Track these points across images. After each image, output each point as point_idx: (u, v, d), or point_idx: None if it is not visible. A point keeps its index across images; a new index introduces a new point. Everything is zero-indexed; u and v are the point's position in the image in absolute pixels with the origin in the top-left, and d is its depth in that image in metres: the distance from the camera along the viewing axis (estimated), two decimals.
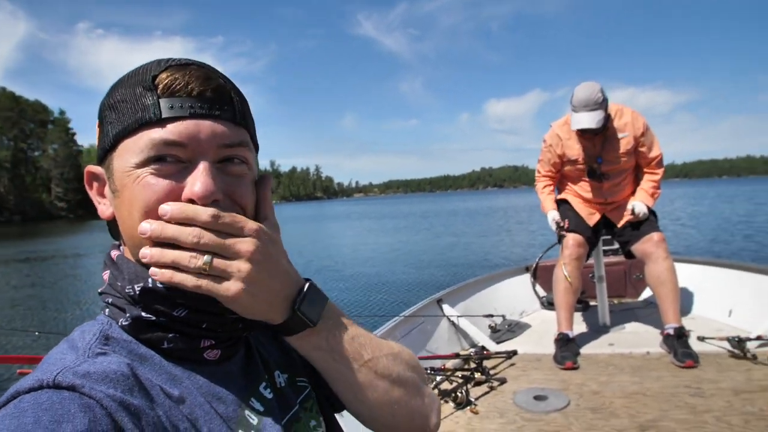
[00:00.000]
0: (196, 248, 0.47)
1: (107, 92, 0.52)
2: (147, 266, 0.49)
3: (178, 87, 0.48)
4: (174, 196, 0.48)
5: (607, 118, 2.76)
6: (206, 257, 0.47)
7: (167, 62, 0.51)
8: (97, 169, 0.54)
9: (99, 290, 0.55)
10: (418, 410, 0.64)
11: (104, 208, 0.54)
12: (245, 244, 0.48)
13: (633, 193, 2.99)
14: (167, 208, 0.47)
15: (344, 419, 0.68)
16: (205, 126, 0.49)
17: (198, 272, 0.47)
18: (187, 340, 0.51)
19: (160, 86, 0.49)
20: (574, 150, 2.93)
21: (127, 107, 0.49)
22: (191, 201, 0.48)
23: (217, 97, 0.50)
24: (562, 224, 2.96)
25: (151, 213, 0.48)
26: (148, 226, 0.47)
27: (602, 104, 2.68)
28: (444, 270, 10.83)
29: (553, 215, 3.02)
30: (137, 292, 0.49)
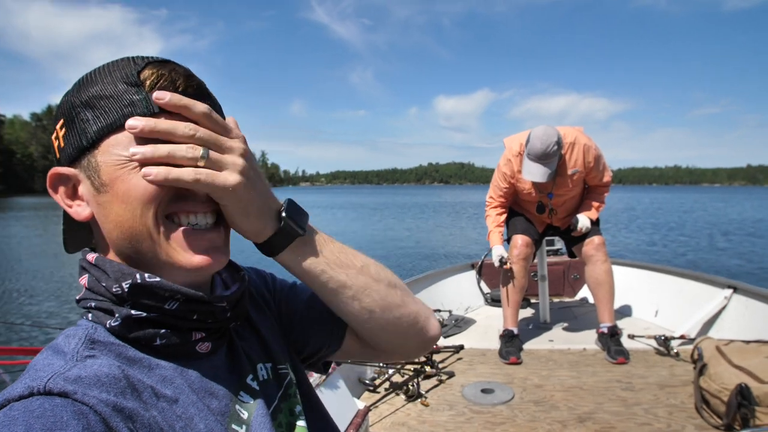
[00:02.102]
0: (192, 142, 0.47)
1: (74, 90, 0.51)
2: (132, 264, 0.50)
3: (165, 83, 0.49)
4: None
5: (559, 158, 2.78)
6: (203, 149, 0.47)
7: (145, 59, 0.51)
8: (67, 170, 0.51)
9: (77, 297, 0.53)
10: (420, 312, 0.67)
11: (80, 209, 0.52)
12: (238, 142, 0.50)
13: (578, 208, 3.08)
14: (139, 124, 0.46)
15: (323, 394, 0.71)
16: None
17: (194, 165, 0.47)
18: (179, 334, 0.51)
19: (147, 82, 0.49)
20: (527, 184, 2.95)
21: (110, 104, 0.48)
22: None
23: (200, 93, 0.51)
24: (505, 261, 2.98)
25: (152, 199, 0.48)
26: (139, 123, 0.46)
27: (555, 154, 2.68)
28: (395, 262, 10.98)
29: (498, 251, 3.02)
30: (126, 290, 0.49)
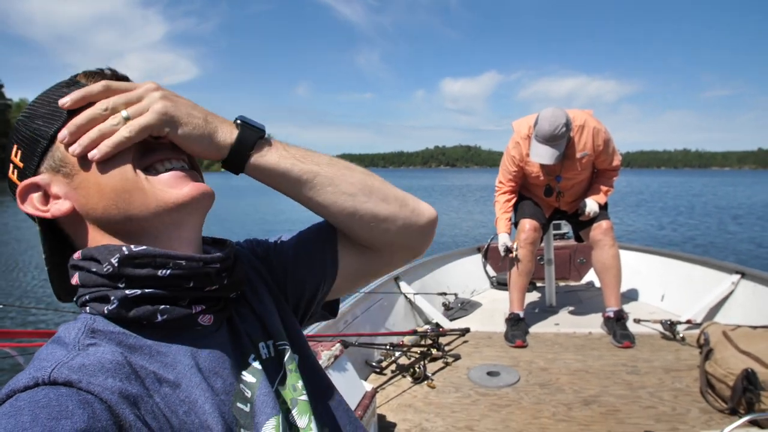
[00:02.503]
0: (109, 114, 0.51)
1: (21, 118, 0.54)
2: (121, 236, 0.52)
3: (99, 79, 0.54)
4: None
5: (568, 141, 2.76)
6: (122, 112, 0.51)
7: (76, 74, 0.55)
8: (34, 178, 0.52)
9: (73, 298, 0.54)
10: (407, 194, 0.68)
11: (58, 205, 0.52)
12: (144, 87, 0.53)
13: (587, 191, 3.07)
14: (65, 99, 0.51)
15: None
16: None
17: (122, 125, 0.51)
18: (179, 308, 0.51)
19: (83, 80, 0.53)
20: (535, 167, 2.94)
21: (54, 108, 0.52)
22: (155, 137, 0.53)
23: None
24: (510, 249, 2.98)
25: (127, 156, 0.51)
26: (65, 130, 0.50)
27: (564, 136, 2.66)
28: None
29: (504, 239, 3.02)
30: (116, 265, 0.49)
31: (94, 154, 0.50)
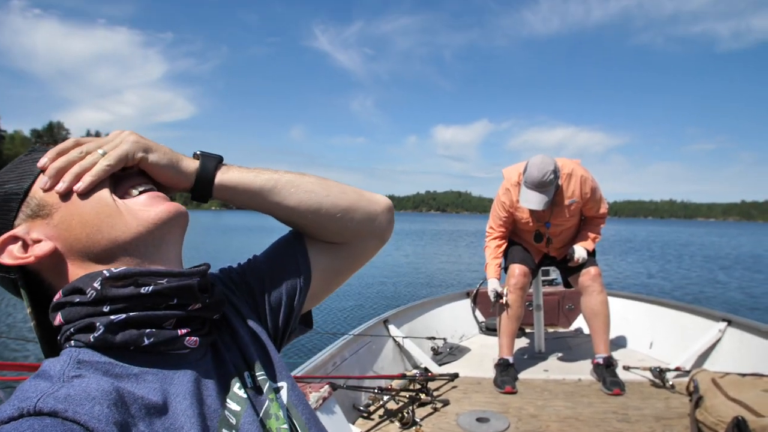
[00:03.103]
0: (87, 155, 0.56)
1: None
2: (103, 262, 0.54)
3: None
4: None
5: (557, 188, 2.81)
6: (99, 150, 0.56)
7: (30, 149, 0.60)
8: (12, 231, 0.54)
9: (58, 337, 0.53)
10: (358, 189, 0.74)
11: (41, 246, 0.53)
12: (114, 133, 0.59)
13: (575, 237, 3.12)
14: (43, 159, 0.55)
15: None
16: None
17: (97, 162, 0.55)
18: (165, 331, 0.52)
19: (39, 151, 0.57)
20: (525, 213, 3.00)
21: (17, 173, 0.56)
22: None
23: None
24: (500, 294, 3.00)
25: (101, 186, 0.55)
26: (44, 176, 0.54)
27: (552, 182, 2.72)
28: (393, 290, 10.91)
29: (494, 284, 3.05)
30: (99, 288, 0.50)
31: (79, 186, 0.53)
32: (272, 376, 0.64)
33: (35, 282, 0.56)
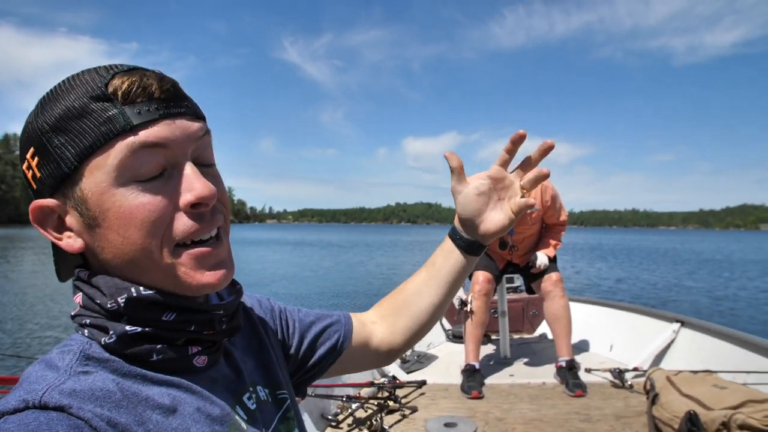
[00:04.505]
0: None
1: (37, 113, 0.47)
2: (129, 279, 0.49)
3: (138, 91, 0.46)
4: (171, 207, 0.48)
5: None
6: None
7: (111, 69, 0.47)
8: (48, 201, 0.48)
9: (72, 313, 0.51)
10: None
11: (71, 241, 0.49)
12: None
13: (537, 245, 3.24)
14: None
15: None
16: (177, 125, 0.48)
17: None
18: (176, 348, 0.50)
19: (119, 94, 0.45)
20: None
21: (83, 124, 0.45)
22: (194, 205, 0.48)
23: (176, 95, 0.49)
24: (465, 302, 3.08)
25: (155, 231, 0.47)
26: None
27: None
28: (365, 300, 10.97)
29: (459, 292, 3.08)
30: (122, 305, 0.48)
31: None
32: (283, 395, 0.65)
33: None
